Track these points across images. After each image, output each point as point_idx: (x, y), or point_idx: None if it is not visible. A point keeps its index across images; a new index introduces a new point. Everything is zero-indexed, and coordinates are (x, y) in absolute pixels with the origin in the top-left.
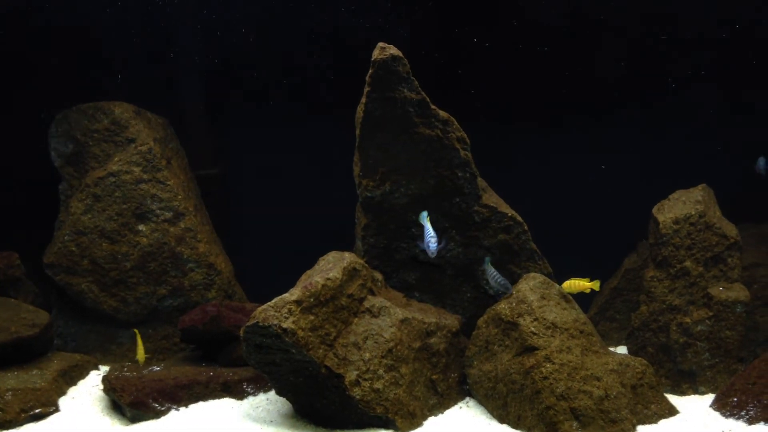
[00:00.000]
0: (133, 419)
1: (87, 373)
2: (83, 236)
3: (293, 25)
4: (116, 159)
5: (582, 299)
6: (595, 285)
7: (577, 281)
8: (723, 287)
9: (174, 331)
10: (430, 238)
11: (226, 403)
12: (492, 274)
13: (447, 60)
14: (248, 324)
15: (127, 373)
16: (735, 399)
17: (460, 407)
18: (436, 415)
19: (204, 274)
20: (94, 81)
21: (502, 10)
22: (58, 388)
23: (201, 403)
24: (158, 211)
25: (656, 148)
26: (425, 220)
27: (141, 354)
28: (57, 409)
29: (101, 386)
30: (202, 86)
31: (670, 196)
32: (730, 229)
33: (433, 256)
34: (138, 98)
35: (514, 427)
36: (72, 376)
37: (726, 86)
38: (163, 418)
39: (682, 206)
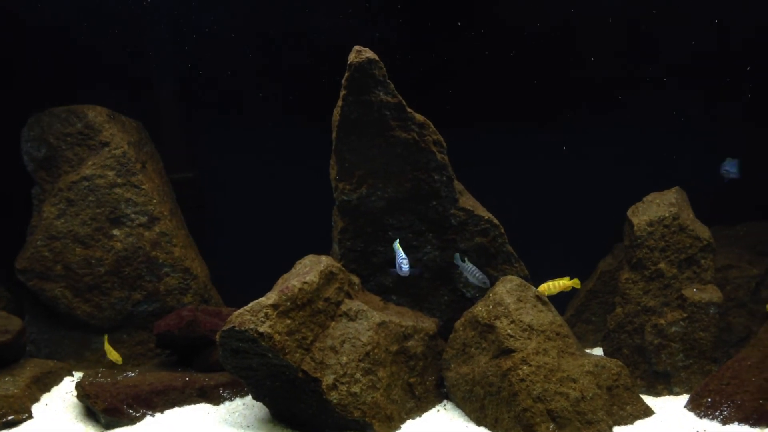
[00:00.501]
0: (108, 426)
1: (61, 380)
2: (56, 241)
3: (268, 28)
4: (90, 163)
5: (558, 302)
6: (576, 283)
7: (556, 281)
8: (696, 289)
9: (149, 336)
10: (402, 260)
11: (203, 409)
12: (470, 269)
13: (422, 63)
14: (224, 328)
15: (102, 379)
16: (709, 399)
17: (438, 410)
18: (413, 418)
19: (180, 278)
20: (67, 84)
21: (476, 12)
22: (31, 395)
23: (177, 409)
24: (133, 216)
25: (630, 150)
26: (397, 246)
27: (115, 356)
28: (30, 416)
29: (75, 393)
30: (177, 89)
31: (644, 199)
32: (704, 231)
33: (405, 275)
34: (112, 102)
35: (491, 429)
36: (45, 382)
37: (700, 88)
38: (138, 425)
39: (656, 208)
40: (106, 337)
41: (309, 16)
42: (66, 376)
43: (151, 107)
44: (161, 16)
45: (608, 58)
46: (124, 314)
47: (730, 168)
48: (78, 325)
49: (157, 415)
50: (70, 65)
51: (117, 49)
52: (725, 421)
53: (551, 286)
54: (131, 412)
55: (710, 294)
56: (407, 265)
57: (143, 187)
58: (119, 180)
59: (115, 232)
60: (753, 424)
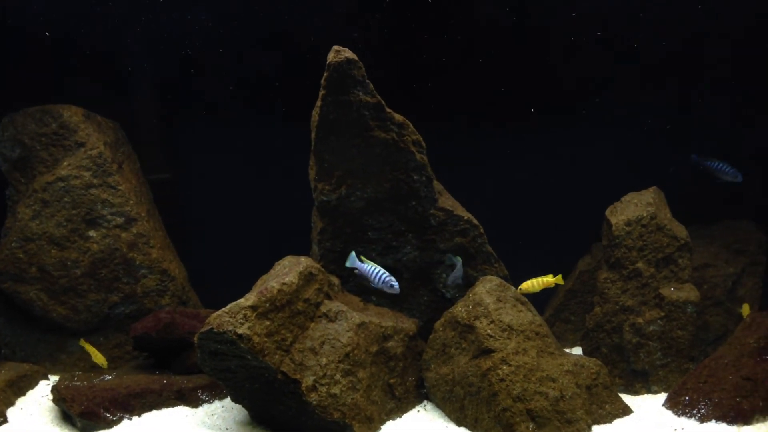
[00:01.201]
0: (84, 429)
1: (36, 383)
2: (31, 243)
3: (245, 27)
4: (65, 163)
5: (537, 301)
6: (559, 280)
7: (539, 279)
8: (674, 288)
9: (126, 339)
10: (387, 277)
11: (181, 412)
12: (457, 274)
13: (402, 63)
14: (202, 330)
15: (78, 383)
16: (687, 398)
17: (418, 411)
18: (393, 419)
19: (157, 280)
20: (42, 84)
21: (454, 11)
22: (6, 399)
23: (154, 412)
24: (109, 217)
25: (609, 150)
26: (367, 262)
27: (101, 359)
28: (5, 420)
29: (51, 396)
30: (154, 89)
31: (622, 199)
32: (681, 231)
33: (397, 293)
34: (89, 102)
35: (471, 429)
36: (20, 386)
37: (675, 88)
38: (115, 428)
39: (634, 208)
40: (82, 340)
41: (287, 15)
42: (41, 379)
43: (128, 107)
44: (138, 16)
45: (585, 58)
46: (101, 316)
47: (726, 170)
48: (53, 327)
49: (135, 418)
50: (45, 64)
51: (93, 49)
52: (703, 419)
53: (535, 283)
54: (108, 415)
55: (687, 293)
56: (395, 281)
57: (120, 187)
58: (95, 181)
59: (92, 233)
60: (730, 422)
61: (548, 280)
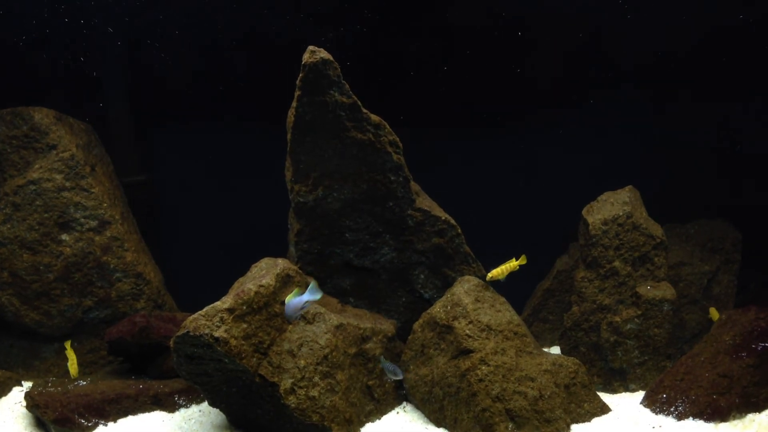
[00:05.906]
0: None
1: (9, 390)
2: (2, 247)
3: (219, 28)
4: (36, 166)
5: (515, 300)
6: (522, 260)
7: (504, 266)
8: (650, 286)
9: (101, 343)
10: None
11: (157, 417)
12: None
13: (378, 63)
14: (178, 334)
15: (52, 389)
16: (664, 395)
17: (397, 412)
18: (373, 421)
19: (132, 284)
20: (13, 85)
21: (428, 13)
22: None
23: (130, 418)
24: (82, 220)
25: (585, 150)
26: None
27: (73, 367)
28: None
29: (24, 403)
30: (127, 91)
31: (599, 198)
32: (656, 229)
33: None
34: (60, 103)
35: (450, 430)
36: None
37: (650, 89)
38: None
39: (610, 207)
40: (68, 343)
41: (262, 16)
42: (14, 386)
43: (101, 109)
44: (112, 16)
45: (559, 59)
46: (75, 321)
47: None
48: (26, 333)
49: (110, 424)
50: (17, 67)
51: (66, 51)
52: (680, 417)
53: (503, 269)
54: (83, 421)
55: (664, 291)
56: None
57: (93, 190)
58: (68, 183)
59: (64, 237)
60: (707, 419)
61: (512, 264)
